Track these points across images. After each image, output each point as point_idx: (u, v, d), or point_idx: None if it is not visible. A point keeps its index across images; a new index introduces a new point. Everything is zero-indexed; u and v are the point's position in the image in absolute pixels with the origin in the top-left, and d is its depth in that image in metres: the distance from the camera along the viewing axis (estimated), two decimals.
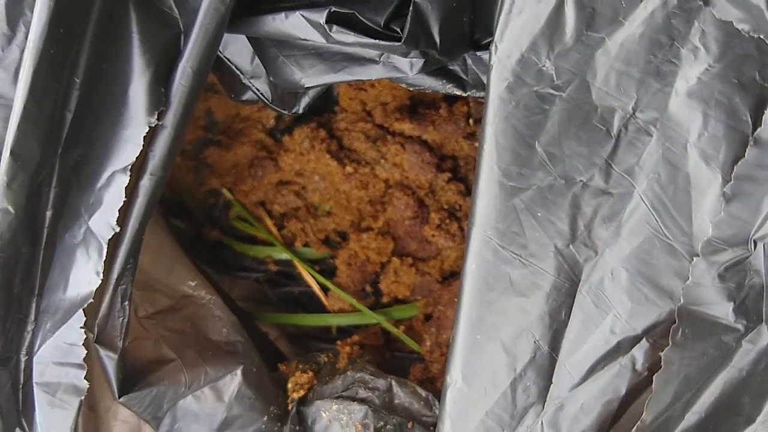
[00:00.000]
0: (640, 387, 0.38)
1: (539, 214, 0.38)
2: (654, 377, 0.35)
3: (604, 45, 0.36)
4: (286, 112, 0.49)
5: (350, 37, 0.40)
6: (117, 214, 0.39)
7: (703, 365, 0.36)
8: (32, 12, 0.38)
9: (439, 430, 0.40)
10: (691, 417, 0.37)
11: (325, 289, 0.59)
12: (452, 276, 0.57)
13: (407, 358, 0.58)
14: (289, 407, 0.51)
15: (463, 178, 0.56)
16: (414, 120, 0.54)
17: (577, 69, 0.37)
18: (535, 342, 0.38)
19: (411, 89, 0.46)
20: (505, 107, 0.38)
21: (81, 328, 0.40)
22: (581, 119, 0.37)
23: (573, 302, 0.38)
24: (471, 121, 0.53)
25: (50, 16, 0.37)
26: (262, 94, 0.47)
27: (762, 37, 0.32)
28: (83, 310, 0.40)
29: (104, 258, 0.40)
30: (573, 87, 0.37)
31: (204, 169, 0.60)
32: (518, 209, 0.38)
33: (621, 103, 0.36)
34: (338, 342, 0.55)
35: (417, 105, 0.56)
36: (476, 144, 0.54)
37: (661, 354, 0.35)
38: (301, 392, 0.51)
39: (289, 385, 0.52)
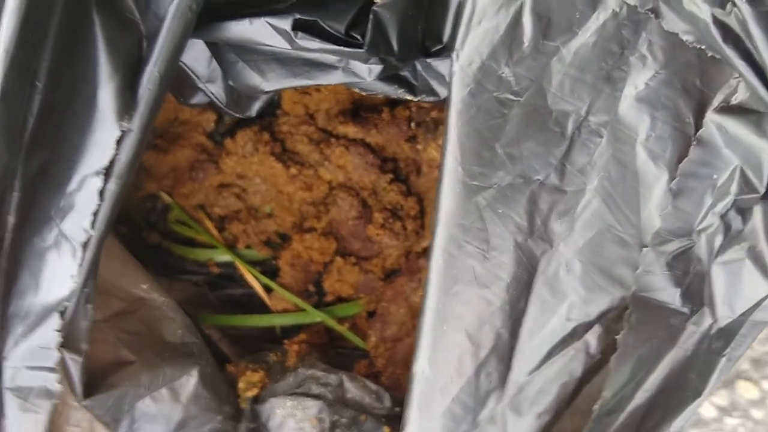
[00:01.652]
0: (593, 369, 0.41)
1: (500, 211, 0.40)
2: (612, 358, 0.39)
3: (559, 53, 0.39)
4: (239, 115, 0.50)
5: (315, 43, 0.42)
6: (91, 218, 0.39)
7: (654, 346, 0.39)
8: None
9: (407, 418, 0.42)
10: (642, 395, 0.40)
11: (268, 290, 0.60)
12: (393, 273, 0.59)
13: (351, 354, 0.59)
14: (243, 406, 0.52)
15: (404, 179, 0.58)
16: (357, 123, 0.56)
17: (534, 75, 0.40)
18: (497, 330, 0.41)
19: (363, 93, 0.48)
20: (468, 111, 0.40)
21: (56, 331, 0.40)
22: (538, 122, 0.40)
23: (531, 292, 0.41)
24: (413, 124, 0.56)
25: (20, 21, 0.37)
26: (216, 97, 0.48)
27: (703, 47, 0.36)
28: (59, 312, 0.40)
29: (78, 261, 0.40)
30: (530, 92, 0.40)
31: (141, 172, 0.60)
32: (481, 207, 0.40)
33: (574, 107, 0.40)
34: (285, 341, 0.56)
35: (359, 109, 0.58)
36: (417, 146, 0.56)
37: (617, 337, 0.39)
38: (255, 390, 0.52)
39: (241, 385, 0.52)
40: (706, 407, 0.62)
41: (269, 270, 0.61)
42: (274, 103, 0.58)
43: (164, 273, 0.60)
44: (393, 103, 0.57)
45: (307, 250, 0.59)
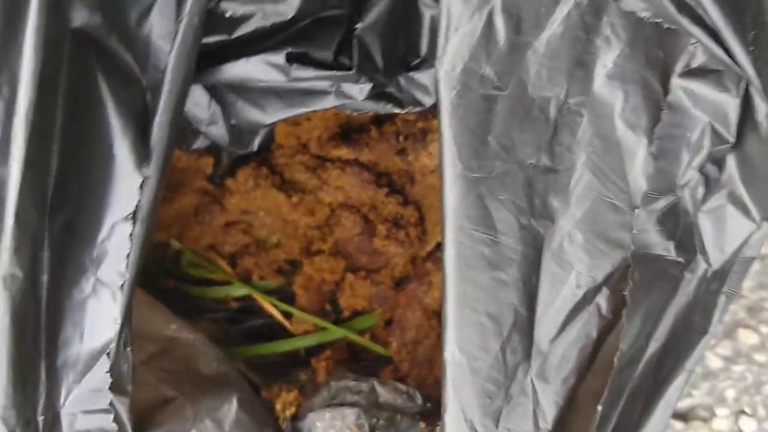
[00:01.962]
0: (607, 329, 0.44)
1: (501, 197, 0.44)
2: (623, 313, 0.42)
3: (532, 46, 0.43)
4: (242, 151, 0.53)
5: (309, 72, 0.45)
6: (125, 261, 0.42)
7: (658, 297, 0.43)
8: (8, 85, 0.41)
9: (445, 402, 0.45)
10: (655, 344, 0.44)
11: (287, 315, 0.63)
12: (403, 281, 0.62)
13: (375, 364, 0.62)
14: (284, 426, 0.54)
15: (400, 190, 0.62)
16: (349, 145, 0.60)
17: (513, 70, 0.44)
18: (514, 307, 0.44)
19: (355, 114, 0.52)
20: (457, 112, 0.44)
21: (106, 372, 0.42)
22: (523, 112, 0.44)
23: (540, 268, 0.44)
24: (400, 138, 0.59)
25: (36, 87, 0.40)
26: (219, 139, 0.51)
27: (660, 21, 0.40)
28: (106, 355, 0.42)
29: (119, 303, 0.42)
30: (512, 86, 0.44)
31: None
32: (483, 196, 0.44)
33: (554, 93, 0.43)
34: (312, 360, 0.59)
35: (348, 131, 0.61)
36: (408, 158, 0.59)
37: (624, 293, 0.42)
38: (292, 409, 0.54)
39: (278, 406, 0.55)
40: (712, 359, 0.65)
41: (285, 296, 0.64)
42: (269, 137, 0.61)
43: (185, 316, 0.62)
44: (379, 121, 0.60)
45: (318, 272, 0.62)
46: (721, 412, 0.66)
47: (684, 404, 0.66)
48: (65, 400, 0.43)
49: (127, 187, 0.43)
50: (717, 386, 0.66)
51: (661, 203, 0.43)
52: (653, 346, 0.44)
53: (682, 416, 0.66)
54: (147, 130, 0.44)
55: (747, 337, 0.65)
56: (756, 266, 0.66)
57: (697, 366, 0.43)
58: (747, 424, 0.66)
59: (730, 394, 0.66)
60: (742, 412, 0.66)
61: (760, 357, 0.65)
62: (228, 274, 0.63)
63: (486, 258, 0.44)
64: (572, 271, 0.44)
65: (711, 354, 0.65)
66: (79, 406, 0.43)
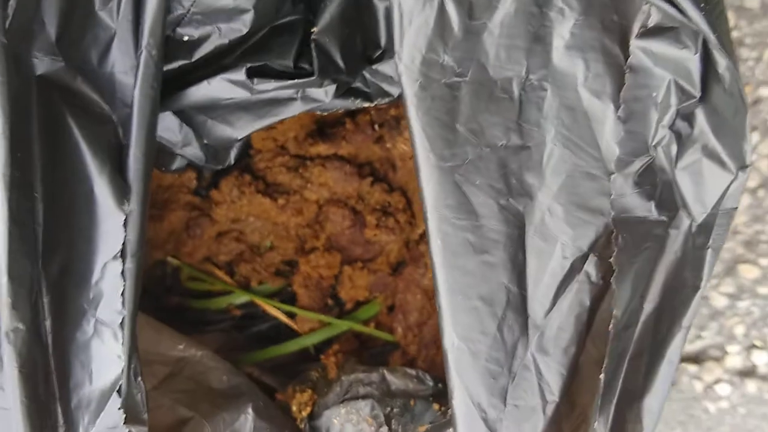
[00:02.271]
0: (599, 295, 0.45)
1: (477, 182, 0.44)
2: (612, 280, 0.42)
3: (487, 29, 0.43)
4: (220, 167, 0.53)
5: (271, 84, 0.46)
6: (120, 299, 0.43)
7: (646, 258, 0.43)
8: None
9: (452, 387, 0.45)
10: (649, 305, 0.44)
11: (291, 316, 0.64)
12: (400, 266, 0.63)
13: (383, 350, 0.63)
14: (301, 426, 0.55)
15: (383, 178, 0.62)
16: (326, 141, 0.60)
17: (471, 55, 0.44)
18: (505, 287, 0.45)
19: (325, 114, 0.52)
20: (423, 103, 0.44)
21: (119, 409, 0.43)
22: (487, 94, 0.44)
23: (525, 245, 0.45)
24: (376, 126, 0.60)
25: (8, 144, 0.40)
26: (195, 158, 0.52)
27: None
28: (116, 392, 0.43)
29: (121, 341, 0.43)
30: (472, 70, 0.44)
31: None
32: (460, 183, 0.44)
33: (515, 71, 0.43)
34: (321, 356, 0.60)
35: (324, 127, 0.62)
36: (386, 145, 0.60)
37: (611, 260, 0.43)
38: (308, 409, 0.55)
39: (294, 408, 0.56)
40: (717, 298, 0.66)
41: (287, 297, 0.65)
42: (246, 145, 0.62)
43: (191, 330, 0.63)
44: (353, 113, 0.61)
45: (315, 269, 0.62)
46: (733, 349, 0.67)
47: (695, 346, 0.67)
48: None
49: (112, 226, 0.43)
50: (725, 324, 0.67)
51: (636, 165, 0.43)
52: (648, 307, 0.44)
53: (694, 359, 0.67)
54: (123, 166, 0.44)
55: (748, 272, 0.66)
56: (747, 200, 0.66)
57: (694, 319, 0.44)
58: (759, 356, 0.66)
59: (739, 330, 0.66)
60: (753, 346, 0.66)
61: (763, 289, 0.66)
62: (227, 283, 0.64)
63: (471, 243, 0.44)
64: (557, 243, 0.44)
65: (715, 293, 0.66)
66: None
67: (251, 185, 0.61)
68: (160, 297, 0.64)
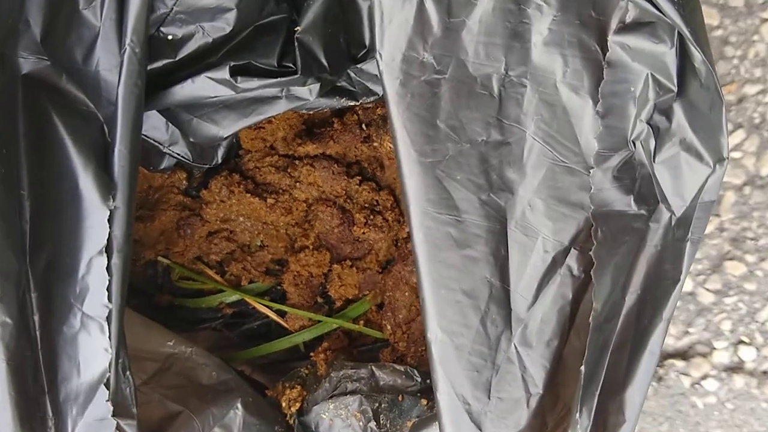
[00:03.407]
0: (582, 288, 0.45)
1: (458, 177, 0.45)
2: (591, 273, 0.43)
3: (466, 26, 0.44)
4: (208, 165, 0.54)
5: (254, 82, 0.46)
6: (106, 293, 0.43)
7: (626, 251, 0.44)
8: None
9: (435, 381, 0.46)
10: (631, 297, 0.45)
11: (281, 314, 0.64)
12: (388, 264, 0.64)
13: (373, 348, 0.64)
14: (291, 422, 0.56)
15: (371, 177, 0.63)
16: (314, 140, 0.61)
17: (450, 52, 0.44)
18: (487, 281, 0.45)
19: (311, 113, 0.52)
20: (403, 101, 0.44)
21: (107, 401, 0.44)
22: (467, 91, 0.44)
23: (507, 239, 0.45)
24: (363, 126, 0.60)
25: None
26: (183, 156, 0.52)
27: None
28: (104, 384, 0.44)
29: (107, 334, 0.44)
30: (452, 67, 0.44)
31: (135, 244, 0.64)
32: (441, 179, 0.45)
33: (494, 68, 0.44)
34: (311, 354, 0.60)
35: (312, 127, 0.62)
36: (374, 144, 0.60)
37: (591, 253, 0.43)
38: (297, 405, 0.56)
39: (283, 404, 0.57)
40: (703, 294, 0.66)
41: (277, 296, 0.65)
42: (234, 146, 0.62)
43: (184, 328, 0.64)
44: (340, 113, 0.61)
45: (305, 268, 0.63)
46: (720, 344, 0.67)
47: (682, 342, 0.67)
48: None
49: (97, 222, 0.44)
50: (712, 320, 0.67)
51: (615, 160, 0.43)
52: (630, 299, 0.45)
53: (682, 354, 0.67)
54: (108, 163, 0.45)
55: (734, 269, 0.66)
56: (732, 198, 0.66)
57: (676, 312, 0.44)
58: (746, 352, 0.67)
59: (726, 326, 0.67)
60: (740, 341, 0.67)
61: (749, 286, 0.66)
62: (218, 282, 0.64)
63: (453, 238, 0.45)
64: (538, 237, 0.45)
65: (702, 289, 0.66)
66: None
67: (240, 185, 0.61)
68: (151, 296, 0.65)
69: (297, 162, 0.62)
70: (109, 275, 0.44)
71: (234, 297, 0.65)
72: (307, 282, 0.63)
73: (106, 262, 0.44)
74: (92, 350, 0.44)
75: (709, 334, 0.67)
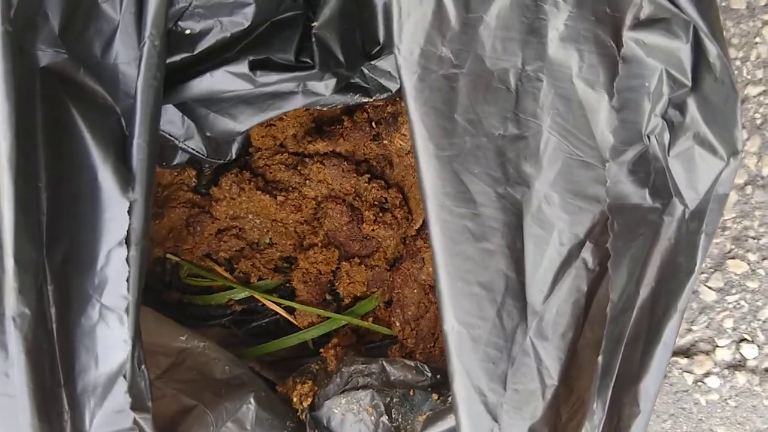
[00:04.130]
0: (596, 281, 0.46)
1: (476, 171, 0.45)
2: (608, 264, 0.44)
3: (483, 21, 0.44)
4: (222, 160, 0.54)
5: (273, 77, 0.47)
6: (126, 284, 0.44)
7: (641, 244, 0.44)
8: None
9: (452, 372, 0.46)
10: (645, 289, 0.45)
11: (290, 311, 0.65)
12: (397, 261, 0.64)
13: (381, 345, 0.64)
14: (302, 417, 0.56)
15: (380, 175, 0.63)
16: (324, 138, 0.61)
17: (468, 47, 0.45)
18: (503, 273, 0.46)
19: (325, 108, 0.53)
20: (421, 95, 0.45)
21: (125, 393, 0.44)
22: (484, 85, 0.45)
23: (523, 232, 0.46)
24: (373, 124, 0.61)
25: (14, 130, 0.41)
26: (198, 152, 0.53)
27: None
28: (123, 376, 0.44)
29: (126, 325, 0.44)
30: (470, 62, 0.45)
31: None
32: (458, 172, 0.45)
33: (511, 62, 0.45)
34: (321, 350, 0.61)
35: (322, 125, 0.63)
36: (383, 142, 0.61)
37: (607, 245, 0.44)
38: (308, 400, 0.56)
39: (294, 399, 0.57)
40: (706, 293, 0.67)
41: (286, 293, 0.66)
42: (246, 142, 0.63)
43: (192, 325, 0.64)
44: (350, 111, 0.62)
45: (313, 265, 0.63)
46: (722, 342, 0.68)
47: (685, 340, 0.68)
48: (90, 425, 0.45)
49: (117, 213, 0.44)
50: (715, 318, 0.68)
51: (630, 153, 0.44)
52: (644, 292, 0.45)
53: (685, 352, 0.68)
54: (127, 155, 0.45)
55: (736, 267, 0.67)
56: (734, 197, 0.67)
57: (688, 305, 0.45)
58: (748, 350, 0.67)
59: (728, 323, 0.68)
60: (743, 339, 0.68)
61: (751, 284, 0.67)
62: (227, 279, 0.65)
63: (470, 231, 0.45)
64: (554, 230, 0.45)
65: (704, 288, 0.67)
66: (104, 429, 0.45)
67: (251, 182, 0.62)
68: (159, 293, 0.65)
69: (307, 160, 0.62)
70: (128, 266, 0.44)
71: (243, 294, 0.65)
72: (316, 279, 0.63)
73: (126, 254, 0.44)
74: (110, 342, 0.44)
75: (711, 332, 0.68)
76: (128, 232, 0.44)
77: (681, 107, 0.44)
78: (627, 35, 0.43)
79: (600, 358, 0.44)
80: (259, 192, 0.61)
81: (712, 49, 0.41)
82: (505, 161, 0.45)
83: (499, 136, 0.45)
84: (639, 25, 0.43)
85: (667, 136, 0.44)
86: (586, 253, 0.45)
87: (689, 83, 0.43)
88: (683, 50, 0.43)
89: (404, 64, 0.45)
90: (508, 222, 0.46)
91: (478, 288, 0.46)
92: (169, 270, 0.66)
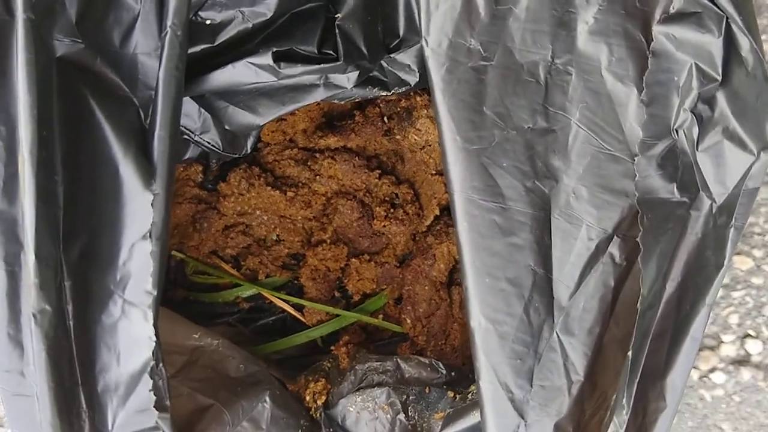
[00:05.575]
0: (623, 277, 0.46)
1: (504, 164, 0.45)
2: (639, 259, 0.43)
3: (513, 13, 0.44)
4: (236, 154, 0.53)
5: (297, 68, 0.46)
6: (151, 279, 0.42)
7: (669, 239, 0.44)
8: (4, 125, 0.41)
9: (478, 368, 0.46)
10: (672, 284, 0.45)
11: (299, 309, 0.64)
12: (406, 258, 0.63)
13: (391, 342, 0.63)
14: (316, 415, 0.55)
15: (391, 170, 0.63)
16: (335, 133, 0.60)
17: (497, 39, 0.44)
18: (531, 269, 0.45)
19: (342, 103, 0.52)
20: (449, 87, 0.44)
21: (150, 391, 0.43)
22: (513, 78, 0.45)
23: (551, 227, 0.45)
24: (385, 119, 0.60)
25: (35, 122, 0.40)
26: (213, 145, 0.51)
27: None
28: (147, 374, 0.43)
29: (151, 321, 0.43)
30: (499, 54, 0.44)
31: None
32: (487, 166, 0.45)
33: (540, 55, 0.44)
34: (332, 348, 0.60)
35: (332, 120, 0.62)
36: (396, 137, 0.60)
37: (637, 239, 0.43)
38: (322, 398, 0.55)
39: (308, 397, 0.56)
40: None
41: (294, 290, 0.65)
42: (258, 138, 0.62)
43: (199, 323, 0.62)
44: (361, 106, 0.61)
45: (322, 262, 0.62)
46: (727, 338, 0.68)
47: None
48: (113, 425, 0.43)
49: (140, 206, 0.43)
50: (720, 314, 0.68)
51: (659, 148, 0.44)
52: (670, 287, 0.45)
53: None
54: (147, 148, 0.44)
55: (742, 263, 0.68)
56: None
57: (715, 299, 0.45)
58: (753, 346, 0.68)
59: (733, 319, 0.68)
60: (747, 335, 0.68)
61: (757, 280, 0.67)
62: (234, 276, 0.63)
63: (498, 225, 0.45)
64: (582, 225, 0.45)
65: None
66: (127, 428, 0.43)
67: (260, 178, 0.61)
68: (165, 291, 0.64)
69: (317, 155, 0.61)
70: (152, 261, 0.43)
71: (250, 291, 0.64)
72: (325, 276, 0.63)
73: (150, 248, 0.42)
74: (134, 339, 0.43)
75: (716, 328, 0.68)
76: (152, 225, 0.43)
77: (710, 102, 0.44)
78: (657, 29, 0.43)
79: (630, 352, 0.43)
80: (268, 187, 0.60)
81: (744, 42, 0.41)
82: (534, 155, 0.45)
83: (528, 130, 0.45)
84: (669, 19, 0.43)
85: (696, 131, 0.44)
86: (614, 248, 0.45)
87: (719, 77, 0.43)
88: (714, 44, 0.42)
89: (432, 55, 0.44)
90: (536, 216, 0.45)
91: (505, 284, 0.45)
92: (174, 267, 0.64)
